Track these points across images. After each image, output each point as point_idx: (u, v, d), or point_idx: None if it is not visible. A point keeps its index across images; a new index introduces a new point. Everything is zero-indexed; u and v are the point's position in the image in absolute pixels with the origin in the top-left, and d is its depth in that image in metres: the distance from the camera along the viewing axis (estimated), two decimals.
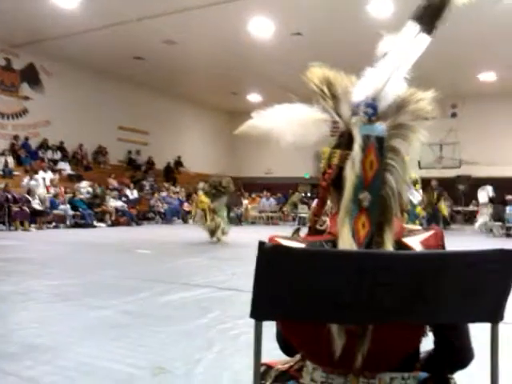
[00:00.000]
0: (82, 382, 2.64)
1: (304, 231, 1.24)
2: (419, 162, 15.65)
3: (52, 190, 15.20)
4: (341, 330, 1.07)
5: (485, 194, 15.64)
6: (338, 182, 1.13)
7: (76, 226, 14.62)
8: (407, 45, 1.16)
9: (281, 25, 13.53)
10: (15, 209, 13.27)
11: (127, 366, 2.90)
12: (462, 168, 19.82)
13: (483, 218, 15.32)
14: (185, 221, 18.09)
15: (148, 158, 21.31)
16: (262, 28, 13.76)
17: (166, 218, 18.10)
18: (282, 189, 21.67)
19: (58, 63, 17.29)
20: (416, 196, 14.30)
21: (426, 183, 15.79)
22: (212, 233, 10.80)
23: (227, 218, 11.23)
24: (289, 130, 1.21)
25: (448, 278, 1.03)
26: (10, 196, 13.52)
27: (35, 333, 3.56)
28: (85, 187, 16.29)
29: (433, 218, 15.70)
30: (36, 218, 13.89)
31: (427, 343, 1.20)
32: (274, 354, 1.32)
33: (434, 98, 1.14)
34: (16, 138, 16.66)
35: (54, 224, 14.37)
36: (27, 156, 16.70)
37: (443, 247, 1.14)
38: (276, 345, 1.30)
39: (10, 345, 3.26)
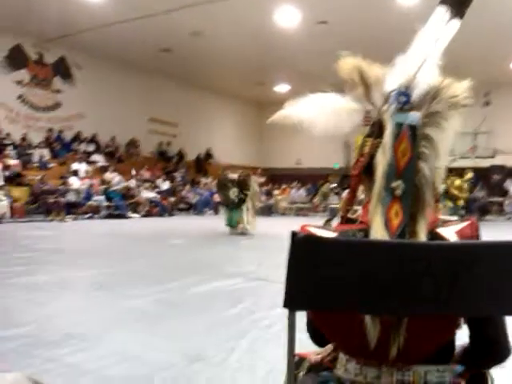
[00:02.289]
0: (118, 369, 2.71)
1: (336, 221, 1.24)
2: (452, 152, 15.34)
3: (87, 182, 15.52)
4: (375, 320, 1.06)
5: None
6: (370, 171, 1.13)
7: (110, 216, 14.90)
8: (437, 31, 1.15)
9: (306, 13, 13.40)
10: (51, 200, 13.60)
11: (162, 354, 2.95)
12: (497, 158, 19.33)
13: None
14: (216, 212, 18.22)
15: (178, 149, 21.49)
16: (287, 17, 13.67)
17: (197, 208, 18.26)
18: (311, 179, 21.55)
19: (87, 56, 17.55)
20: None
21: (459, 173, 15.51)
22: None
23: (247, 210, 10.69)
24: (321, 119, 1.21)
25: (484, 268, 1.01)
26: (46, 188, 13.86)
27: (71, 321, 3.66)
28: (114, 178, 16.54)
29: (467, 208, 15.41)
30: (71, 208, 14.22)
31: (462, 336, 1.19)
32: (305, 344, 1.32)
33: (468, 86, 1.13)
34: (50, 130, 17.03)
35: (88, 215, 14.68)
36: (62, 148, 17.07)
37: (478, 237, 1.12)
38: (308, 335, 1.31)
39: (48, 333, 3.35)
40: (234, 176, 10.76)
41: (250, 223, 10.57)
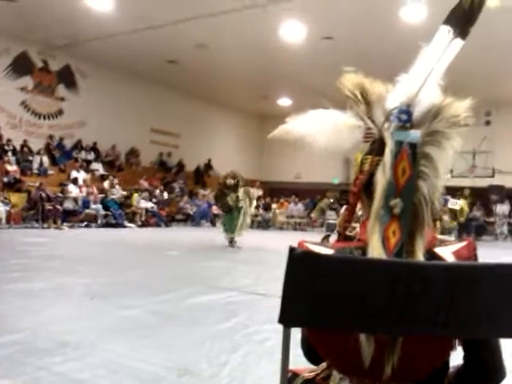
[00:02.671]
0: (109, 380, 2.68)
1: (333, 238, 1.24)
2: (451, 171, 15.39)
3: (85, 190, 15.51)
4: (369, 339, 1.06)
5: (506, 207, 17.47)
6: (369, 189, 1.12)
7: (107, 225, 14.87)
8: (440, 50, 1.15)
9: (312, 29, 13.51)
10: (48, 207, 13.58)
11: (154, 366, 2.93)
12: (495, 177, 19.37)
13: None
14: (213, 224, 18.18)
15: (178, 160, 21.52)
16: (293, 32, 13.76)
17: (194, 220, 18.22)
18: (310, 194, 21.56)
19: (93, 65, 17.66)
20: (455, 203, 14.11)
21: (458, 192, 15.55)
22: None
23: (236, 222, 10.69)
24: (322, 135, 1.21)
25: (481, 290, 1.01)
26: (44, 194, 13.84)
27: (65, 329, 3.63)
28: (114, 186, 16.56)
29: (465, 228, 15.41)
30: (68, 216, 14.20)
31: (456, 358, 1.18)
32: (299, 360, 1.31)
33: (469, 105, 1.13)
34: (51, 137, 17.06)
35: (85, 223, 14.64)
36: (62, 156, 17.09)
37: (476, 258, 1.12)
38: (301, 351, 1.30)
39: (40, 340, 3.33)
40: (231, 182, 10.75)
41: (241, 229, 10.52)
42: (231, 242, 10.51)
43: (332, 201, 19.59)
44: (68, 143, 17.72)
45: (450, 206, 14.15)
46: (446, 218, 13.37)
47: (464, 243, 1.14)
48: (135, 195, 16.53)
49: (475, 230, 16.15)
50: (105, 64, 17.74)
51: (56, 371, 2.77)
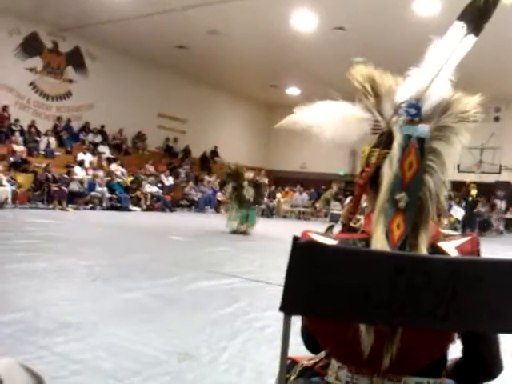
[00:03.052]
0: (110, 362, 2.71)
1: (337, 228, 1.24)
2: (458, 166, 15.35)
3: (91, 172, 15.56)
4: (369, 329, 1.07)
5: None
6: (375, 181, 1.13)
7: (112, 208, 14.93)
8: (452, 45, 1.15)
9: (323, 18, 13.40)
10: (54, 188, 13.63)
11: (154, 350, 2.96)
12: (502, 174, 19.29)
13: None
14: (217, 210, 18.24)
15: (185, 146, 21.52)
16: (304, 21, 13.66)
17: (199, 206, 18.27)
18: (315, 184, 21.57)
19: (102, 48, 17.62)
20: (459, 211, 14.20)
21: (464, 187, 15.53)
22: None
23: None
24: (330, 127, 1.21)
25: (483, 285, 1.01)
26: (50, 176, 13.89)
27: (67, 310, 3.66)
28: (120, 171, 16.62)
29: (469, 223, 15.41)
30: (74, 198, 14.26)
31: (455, 351, 1.19)
32: (298, 349, 1.32)
33: (479, 101, 1.13)
34: (59, 119, 17.09)
35: (90, 205, 14.71)
36: (69, 138, 17.12)
37: (479, 253, 1.13)
38: (301, 340, 1.31)
39: (42, 320, 3.37)
40: (250, 175, 11.00)
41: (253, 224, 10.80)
42: (238, 232, 10.65)
43: (337, 191, 19.60)
44: (75, 125, 17.74)
45: (452, 212, 14.23)
46: (445, 222, 13.40)
47: (467, 238, 1.14)
48: (143, 181, 16.61)
49: (479, 225, 16.14)
50: (114, 47, 17.69)
51: (57, 351, 2.80)
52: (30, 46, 16.11)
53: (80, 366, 2.62)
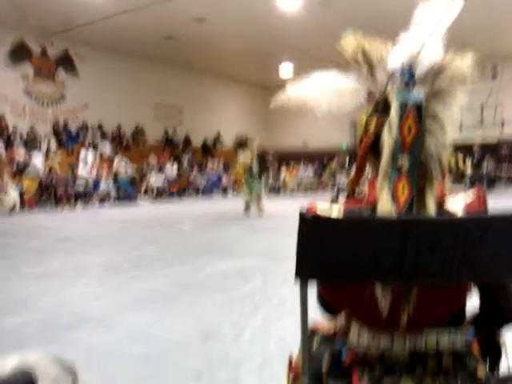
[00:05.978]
0: (135, 350, 2.78)
1: (342, 199, 1.26)
2: (460, 127, 15.23)
3: (94, 171, 15.60)
4: (385, 290, 1.09)
5: None
6: (375, 149, 1.13)
7: (119, 204, 15.01)
8: (442, 8, 1.13)
9: None
10: (60, 190, 13.69)
11: (178, 334, 3.02)
12: (505, 130, 19.15)
13: None
14: (224, 194, 18.35)
15: (185, 135, 21.49)
16: (289, 0, 13.51)
17: (205, 192, 18.34)
18: (319, 159, 21.56)
19: (91, 48, 17.54)
20: None
21: (467, 148, 15.46)
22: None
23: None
24: (324, 99, 1.21)
25: (492, 240, 1.03)
26: (54, 179, 13.94)
27: (87, 306, 3.73)
28: (123, 166, 16.65)
29: (475, 183, 15.37)
30: (81, 197, 14.33)
31: (472, 303, 1.21)
32: (316, 318, 1.35)
33: (473, 60, 1.12)
34: (56, 123, 17.14)
35: (98, 203, 14.79)
36: (68, 139, 17.15)
37: (486, 210, 1.13)
38: (318, 310, 1.34)
39: (63, 318, 3.42)
40: (247, 160, 11.14)
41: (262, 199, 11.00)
42: (248, 206, 10.93)
43: (342, 163, 19.56)
44: (73, 127, 17.77)
45: None
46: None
47: (474, 196, 1.15)
48: (147, 174, 16.65)
49: (487, 183, 16.09)
50: (102, 46, 17.59)
51: (82, 346, 2.87)
52: (19, 54, 16.09)
53: (107, 356, 2.68)
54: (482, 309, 1.22)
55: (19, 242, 7.27)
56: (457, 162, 14.91)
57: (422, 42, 1.12)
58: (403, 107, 1.08)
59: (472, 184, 14.64)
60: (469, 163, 15.99)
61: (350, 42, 1.20)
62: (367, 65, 1.18)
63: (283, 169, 20.85)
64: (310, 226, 1.05)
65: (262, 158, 11.40)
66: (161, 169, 17.91)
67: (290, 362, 1.28)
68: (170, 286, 4.32)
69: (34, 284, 4.54)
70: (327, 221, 1.07)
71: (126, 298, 3.98)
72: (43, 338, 3.01)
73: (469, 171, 15.69)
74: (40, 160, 14.93)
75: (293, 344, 1.32)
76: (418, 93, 1.10)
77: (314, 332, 1.36)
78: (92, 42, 17.04)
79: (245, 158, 11.20)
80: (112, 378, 2.39)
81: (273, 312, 3.43)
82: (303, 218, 1.05)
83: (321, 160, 21.44)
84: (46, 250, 6.46)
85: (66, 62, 17.46)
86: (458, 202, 1.13)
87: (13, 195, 12.67)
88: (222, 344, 2.84)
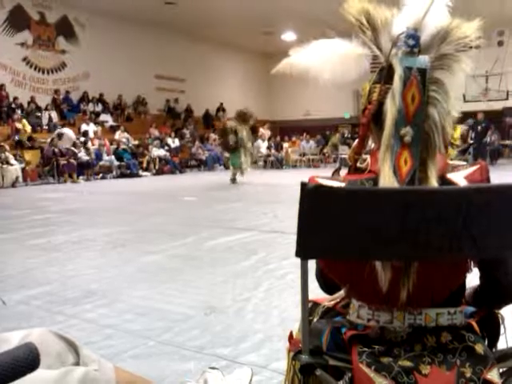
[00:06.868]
0: (138, 323, 2.80)
1: (344, 171, 1.24)
2: (464, 95, 15.06)
3: (96, 142, 15.55)
4: (385, 266, 1.08)
5: None
6: (378, 118, 1.11)
7: (122, 176, 15.01)
8: None
9: None
10: (63, 162, 13.68)
11: (180, 307, 3.04)
12: (510, 100, 18.91)
13: None
14: (226, 167, 18.29)
15: (186, 105, 21.33)
16: None
17: (207, 165, 18.30)
18: (321, 130, 21.36)
19: (90, 14, 17.23)
20: None
21: (471, 116, 15.31)
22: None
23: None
24: (327, 67, 1.18)
25: (494, 211, 1.01)
26: (56, 150, 13.91)
27: (91, 279, 3.76)
28: (125, 137, 16.60)
29: (479, 153, 15.29)
30: (83, 169, 14.33)
31: (472, 278, 1.20)
32: (317, 292, 1.35)
33: (479, 26, 1.09)
34: (57, 92, 16.94)
35: (100, 175, 14.79)
36: (70, 110, 17.03)
37: (488, 181, 1.12)
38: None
39: (69, 291, 3.46)
40: (232, 124, 12.10)
41: (245, 163, 11.92)
42: (234, 178, 11.92)
43: (343, 135, 19.42)
44: (74, 96, 17.60)
45: None
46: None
47: (476, 167, 1.13)
48: (149, 146, 16.60)
49: (490, 154, 16.00)
50: (102, 11, 17.27)
51: (87, 318, 2.90)
52: (17, 20, 15.80)
53: (110, 330, 2.71)
54: (481, 287, 1.21)
55: (23, 214, 7.30)
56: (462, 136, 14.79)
57: (427, 6, 1.09)
58: (407, 72, 1.06)
59: (475, 158, 14.57)
60: (472, 135, 15.83)
61: (353, 5, 1.16)
62: (372, 29, 1.15)
63: (285, 140, 20.73)
64: (312, 197, 1.03)
65: (235, 132, 11.94)
66: (163, 140, 17.83)
67: (291, 337, 1.27)
68: (173, 259, 4.35)
69: (39, 256, 4.58)
70: (328, 190, 1.05)
71: (130, 270, 4.01)
72: (50, 311, 3.05)
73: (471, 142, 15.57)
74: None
75: (294, 316, 1.31)
76: (423, 57, 1.07)
77: (315, 305, 1.37)
78: (91, 7, 16.73)
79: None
80: (114, 351, 2.41)
81: (275, 285, 3.45)
82: (305, 188, 1.03)
83: (323, 132, 21.27)
84: (50, 222, 6.49)
85: (65, 28, 17.20)
86: (460, 173, 1.12)
87: (14, 168, 12.67)
88: (224, 317, 2.86)
